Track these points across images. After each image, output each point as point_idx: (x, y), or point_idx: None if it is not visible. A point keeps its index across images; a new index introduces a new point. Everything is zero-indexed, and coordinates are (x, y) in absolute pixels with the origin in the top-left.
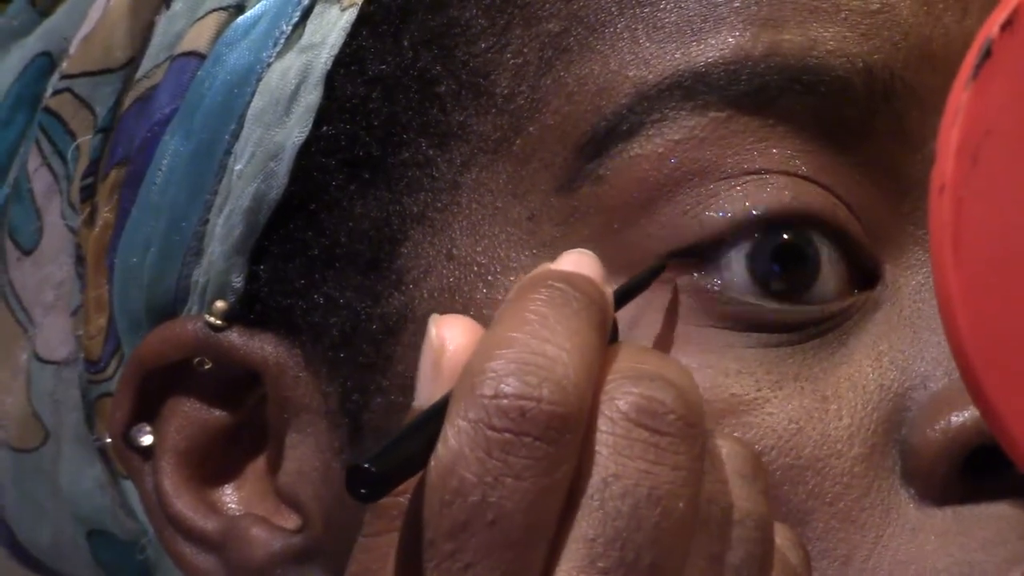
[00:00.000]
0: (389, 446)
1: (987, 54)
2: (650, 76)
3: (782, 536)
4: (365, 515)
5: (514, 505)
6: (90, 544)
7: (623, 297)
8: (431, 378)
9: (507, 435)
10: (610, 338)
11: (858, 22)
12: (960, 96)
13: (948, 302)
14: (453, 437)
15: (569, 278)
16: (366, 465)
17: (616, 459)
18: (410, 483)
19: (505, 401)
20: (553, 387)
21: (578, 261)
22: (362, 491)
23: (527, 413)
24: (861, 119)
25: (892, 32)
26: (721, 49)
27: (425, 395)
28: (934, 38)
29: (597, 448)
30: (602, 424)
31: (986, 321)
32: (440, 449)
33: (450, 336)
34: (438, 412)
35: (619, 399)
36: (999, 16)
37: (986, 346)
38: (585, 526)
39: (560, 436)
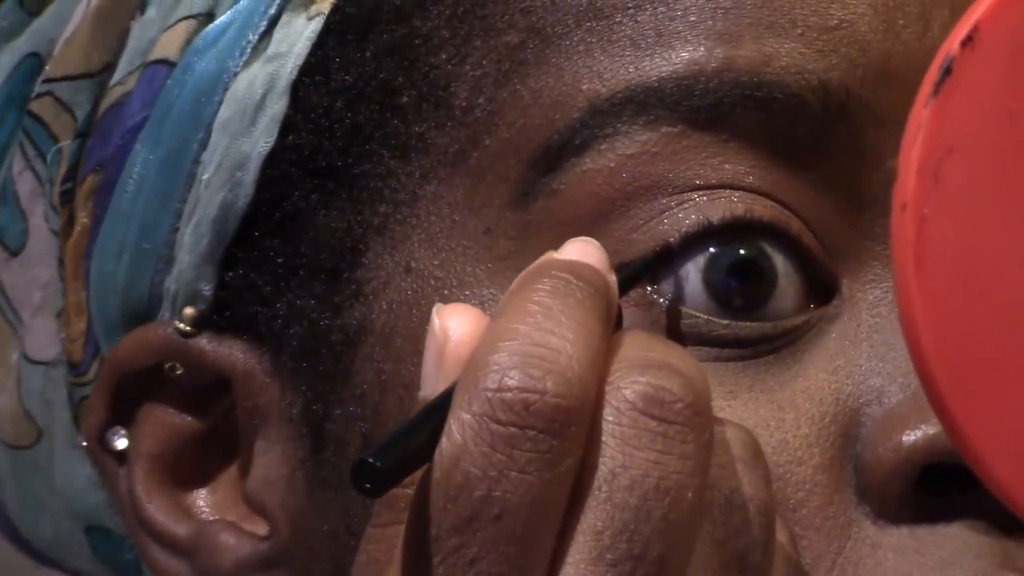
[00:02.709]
0: (393, 439)
1: (947, 71)
2: (603, 90)
3: None
4: (374, 506)
5: (519, 499)
6: (89, 539)
7: (628, 283)
8: (434, 369)
9: (511, 429)
10: (615, 326)
11: (815, 38)
12: (921, 113)
13: (911, 320)
14: (457, 431)
15: (573, 267)
16: (370, 459)
17: (623, 450)
18: (418, 475)
19: (509, 394)
20: (557, 379)
21: (582, 250)
22: (367, 486)
23: (531, 406)
24: (815, 136)
25: (850, 48)
26: (674, 64)
27: (429, 386)
28: (893, 55)
29: (604, 439)
30: (609, 414)
31: (950, 339)
32: (444, 443)
33: (453, 326)
34: (442, 405)
35: (626, 388)
36: (959, 33)
37: (950, 364)
38: (592, 518)
39: (565, 429)
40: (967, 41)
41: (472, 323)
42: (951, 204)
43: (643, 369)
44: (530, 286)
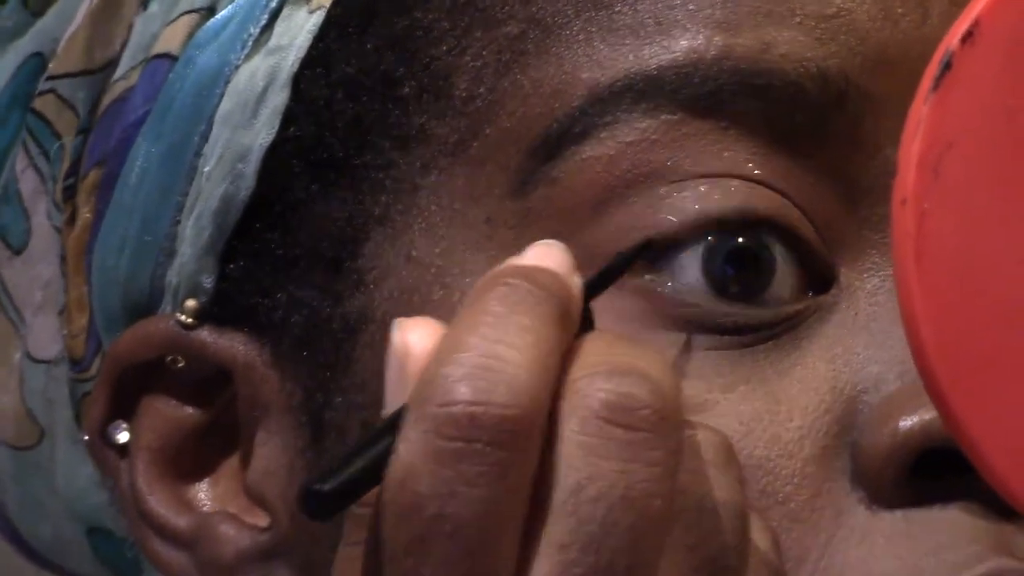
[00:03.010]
0: (343, 462)
1: (947, 66)
2: (603, 78)
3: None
4: (344, 525)
5: (471, 514)
6: (90, 541)
7: (601, 283)
8: (397, 384)
9: (457, 444)
10: (584, 327)
11: (813, 27)
12: (921, 108)
13: (911, 314)
14: (405, 450)
15: (527, 273)
16: (316, 485)
17: (588, 460)
18: (375, 494)
19: (455, 408)
20: (504, 390)
21: (543, 253)
22: (314, 511)
23: (476, 419)
24: (814, 124)
25: (848, 37)
26: (673, 52)
27: (392, 401)
28: (891, 44)
29: (568, 449)
30: (574, 424)
31: (949, 333)
32: (393, 463)
33: (413, 340)
34: (392, 424)
35: (590, 396)
36: (960, 28)
37: (950, 358)
38: (558, 531)
39: (513, 439)
40: (967, 36)
41: (433, 336)
42: (951, 199)
43: (608, 375)
44: (482, 296)
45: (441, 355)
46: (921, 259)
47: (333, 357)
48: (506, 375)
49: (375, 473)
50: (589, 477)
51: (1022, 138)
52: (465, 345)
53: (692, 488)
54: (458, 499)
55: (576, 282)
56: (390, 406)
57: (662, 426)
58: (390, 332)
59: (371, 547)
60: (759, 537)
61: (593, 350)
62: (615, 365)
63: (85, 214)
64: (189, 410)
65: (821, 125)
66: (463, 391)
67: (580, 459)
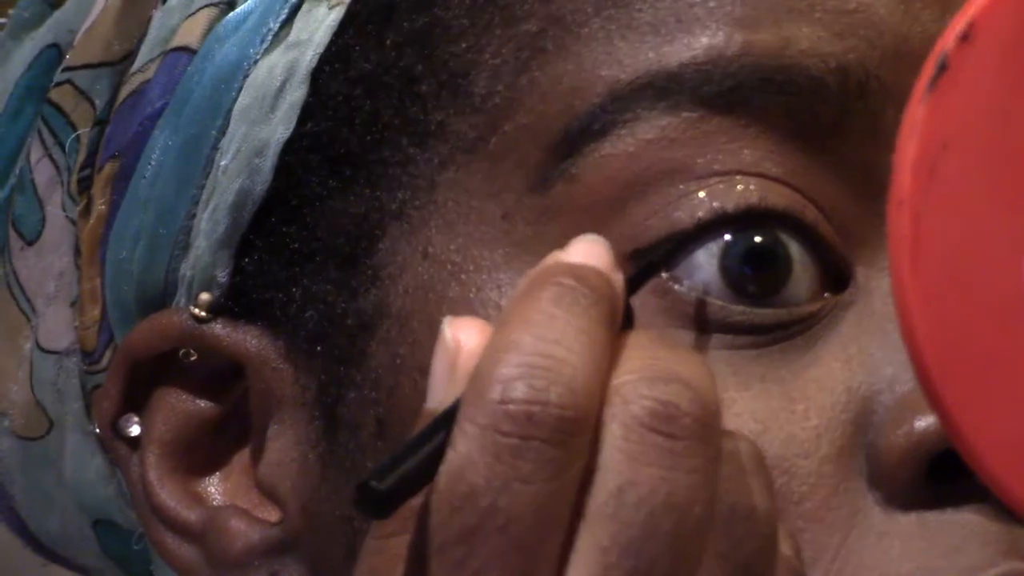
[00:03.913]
0: (397, 458)
1: (943, 67)
2: (623, 76)
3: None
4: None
5: (524, 508)
6: (96, 533)
7: (641, 278)
8: (445, 379)
9: (515, 440)
10: (624, 324)
11: (833, 21)
12: (916, 110)
13: (907, 316)
14: (462, 443)
15: (577, 272)
16: (372, 483)
17: (631, 466)
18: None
19: (513, 406)
20: (561, 390)
21: (588, 250)
22: (372, 509)
23: (534, 417)
24: (835, 118)
25: (868, 31)
26: (694, 49)
27: (439, 396)
28: (911, 37)
29: (611, 454)
30: (616, 430)
31: (945, 334)
32: (450, 454)
33: (464, 337)
34: (444, 420)
35: (633, 404)
36: (955, 28)
37: (945, 359)
38: (599, 533)
39: (569, 439)
40: (963, 37)
41: (483, 335)
42: (947, 201)
43: (651, 383)
44: (534, 294)
45: (497, 352)
46: (917, 261)
47: (347, 352)
48: (564, 376)
49: (431, 468)
50: (630, 482)
51: (1018, 139)
52: (521, 345)
53: (724, 495)
54: (512, 493)
55: (619, 280)
56: (435, 399)
57: (703, 434)
58: (440, 328)
59: (419, 537)
60: (783, 544)
61: (635, 354)
62: (657, 371)
63: (100, 206)
64: (201, 404)
65: (841, 119)
66: (521, 389)
67: (622, 464)
